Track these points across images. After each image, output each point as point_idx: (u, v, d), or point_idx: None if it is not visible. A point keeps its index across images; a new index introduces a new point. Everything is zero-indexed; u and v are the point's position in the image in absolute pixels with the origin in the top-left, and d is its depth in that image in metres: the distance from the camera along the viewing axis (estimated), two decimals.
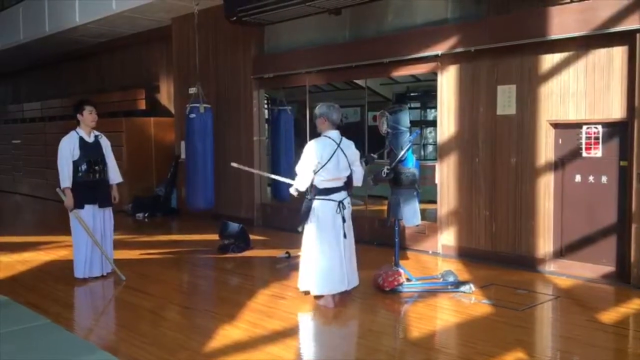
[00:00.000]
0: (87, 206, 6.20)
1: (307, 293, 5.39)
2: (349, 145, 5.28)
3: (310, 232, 5.22)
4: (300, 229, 5.29)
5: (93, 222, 6.25)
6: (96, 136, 6.39)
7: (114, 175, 6.49)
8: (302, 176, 5.16)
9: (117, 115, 11.86)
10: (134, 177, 11.20)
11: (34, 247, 8.05)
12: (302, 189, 5.19)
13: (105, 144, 6.46)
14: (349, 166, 5.26)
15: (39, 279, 6.41)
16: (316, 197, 5.18)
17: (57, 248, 7.94)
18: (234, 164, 6.29)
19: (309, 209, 5.19)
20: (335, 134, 5.25)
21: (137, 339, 4.50)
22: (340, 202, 5.21)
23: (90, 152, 6.24)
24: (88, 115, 6.28)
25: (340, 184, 5.26)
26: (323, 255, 5.19)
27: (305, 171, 5.13)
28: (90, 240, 6.20)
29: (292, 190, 5.45)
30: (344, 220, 5.21)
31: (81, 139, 6.24)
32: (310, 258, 5.24)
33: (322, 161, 5.09)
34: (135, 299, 5.66)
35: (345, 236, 5.21)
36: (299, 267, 5.43)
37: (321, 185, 5.18)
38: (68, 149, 6.16)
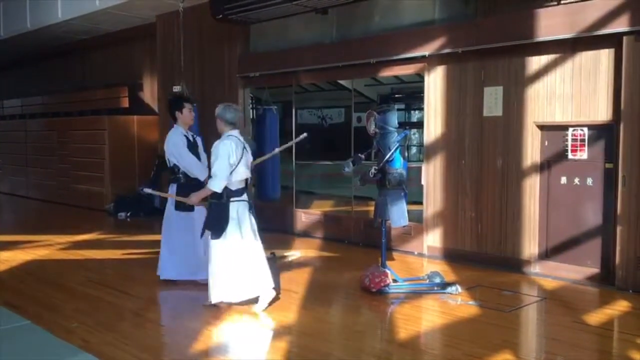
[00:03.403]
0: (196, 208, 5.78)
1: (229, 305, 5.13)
2: (249, 146, 5.18)
3: (229, 236, 4.97)
4: (214, 236, 4.98)
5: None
6: (192, 135, 6.02)
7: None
8: (221, 177, 4.87)
9: (100, 113, 11.66)
10: (116, 176, 11.10)
11: (14, 246, 7.89)
12: (220, 190, 4.91)
13: (200, 143, 6.07)
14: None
15: (18, 279, 6.28)
16: (232, 199, 4.99)
17: (37, 247, 7.80)
18: (147, 190, 5.64)
19: (226, 212, 4.95)
20: (237, 133, 5.13)
21: (120, 341, 4.41)
22: (249, 202, 5.15)
23: (194, 153, 5.83)
24: (188, 114, 5.92)
25: (244, 184, 5.15)
26: (244, 260, 5.01)
27: (225, 172, 4.88)
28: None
29: (193, 199, 5.21)
30: (256, 220, 5.16)
31: (186, 138, 5.84)
32: (228, 264, 4.99)
33: (236, 161, 4.96)
34: (118, 299, 5.56)
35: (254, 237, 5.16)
36: (213, 278, 5.06)
37: (234, 186, 5.00)
38: (182, 141, 5.75)
